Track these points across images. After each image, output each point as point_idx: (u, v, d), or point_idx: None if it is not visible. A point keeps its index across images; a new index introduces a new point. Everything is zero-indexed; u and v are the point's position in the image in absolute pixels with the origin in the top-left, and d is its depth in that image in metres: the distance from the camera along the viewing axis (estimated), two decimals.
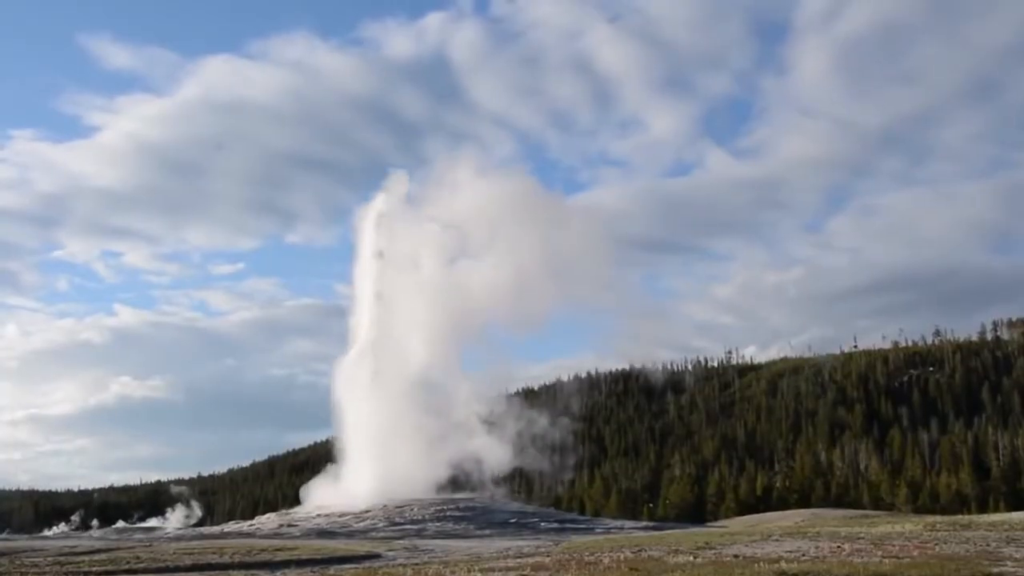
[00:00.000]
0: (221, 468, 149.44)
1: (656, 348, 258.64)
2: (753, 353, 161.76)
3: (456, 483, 56.75)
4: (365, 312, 57.48)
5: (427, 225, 59.43)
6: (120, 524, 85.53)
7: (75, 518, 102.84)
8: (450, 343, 58.21)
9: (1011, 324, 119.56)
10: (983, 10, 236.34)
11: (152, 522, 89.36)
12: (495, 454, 56.95)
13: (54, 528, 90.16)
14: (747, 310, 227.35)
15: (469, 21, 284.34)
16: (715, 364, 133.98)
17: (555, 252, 61.71)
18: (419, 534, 36.98)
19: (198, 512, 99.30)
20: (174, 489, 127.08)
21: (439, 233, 59.25)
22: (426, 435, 53.42)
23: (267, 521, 46.00)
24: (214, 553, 26.66)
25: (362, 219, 59.67)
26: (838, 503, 70.85)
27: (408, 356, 55.78)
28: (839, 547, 22.09)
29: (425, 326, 56.37)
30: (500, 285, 58.78)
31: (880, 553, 20.14)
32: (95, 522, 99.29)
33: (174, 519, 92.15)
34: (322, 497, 50.72)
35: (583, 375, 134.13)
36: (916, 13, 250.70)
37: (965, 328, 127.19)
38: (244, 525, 47.65)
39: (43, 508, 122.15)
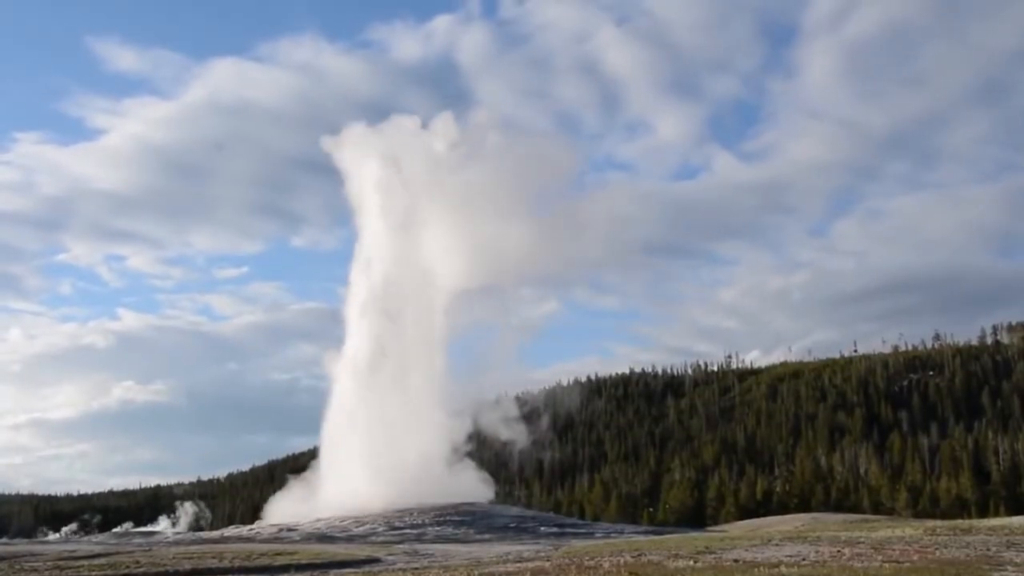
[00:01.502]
0: (221, 473, 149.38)
1: (659, 352, 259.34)
2: (757, 357, 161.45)
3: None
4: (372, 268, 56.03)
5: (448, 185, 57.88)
6: (127, 525, 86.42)
7: (88, 517, 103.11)
8: (468, 310, 57.14)
9: (1011, 328, 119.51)
10: (990, 13, 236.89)
11: (162, 523, 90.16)
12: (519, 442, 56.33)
13: (64, 530, 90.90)
14: (751, 314, 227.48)
15: (477, 24, 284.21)
16: (715, 368, 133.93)
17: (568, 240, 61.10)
18: (419, 538, 36.95)
19: (208, 513, 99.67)
20: (177, 490, 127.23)
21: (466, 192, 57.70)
22: (440, 424, 52.60)
23: (267, 525, 45.92)
24: (213, 558, 26.64)
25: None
26: (838, 507, 70.77)
27: (419, 331, 54.81)
28: (839, 552, 22.08)
29: (440, 293, 55.45)
30: (512, 257, 57.66)
31: (880, 558, 20.12)
32: (98, 517, 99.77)
33: (184, 519, 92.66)
34: (321, 502, 50.05)
35: (583, 380, 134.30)
36: (924, 15, 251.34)
37: (971, 332, 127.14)
38: (244, 529, 47.59)
39: (43, 512, 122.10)
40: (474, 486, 52.75)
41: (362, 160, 57.85)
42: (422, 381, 53.99)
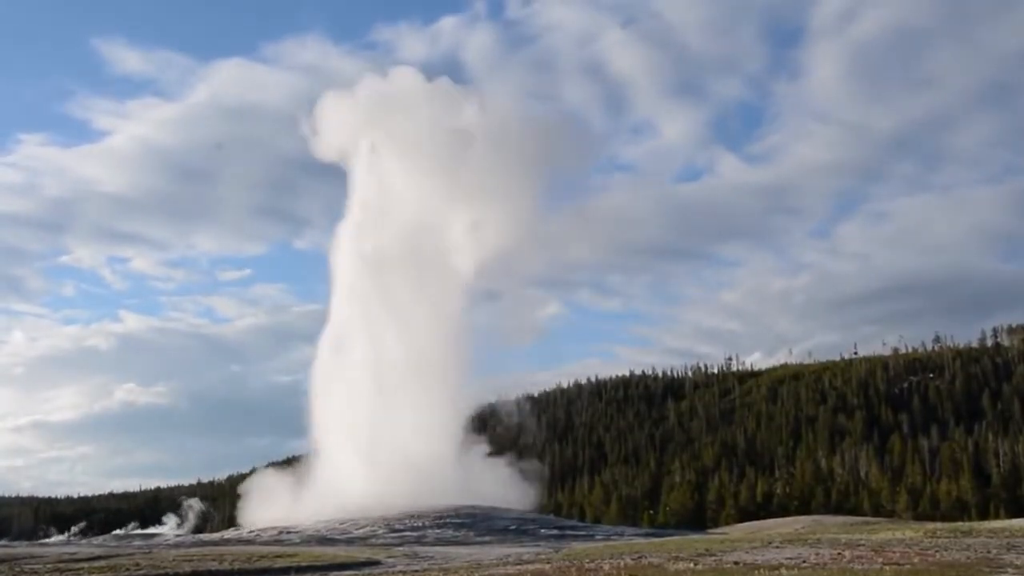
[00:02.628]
0: (223, 475, 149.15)
1: (661, 354, 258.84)
2: (759, 359, 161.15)
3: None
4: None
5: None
6: (132, 525, 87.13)
7: (94, 519, 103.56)
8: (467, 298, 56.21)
9: (1011, 330, 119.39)
10: (998, 14, 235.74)
11: (170, 521, 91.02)
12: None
13: (73, 528, 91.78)
14: (754, 316, 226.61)
15: (483, 25, 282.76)
16: (715, 371, 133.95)
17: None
18: (419, 541, 36.94)
19: (215, 513, 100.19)
20: (177, 492, 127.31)
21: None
22: (450, 424, 51.73)
23: (267, 527, 45.80)
24: (213, 560, 26.63)
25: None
26: (838, 510, 70.74)
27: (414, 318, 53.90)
28: (840, 554, 22.08)
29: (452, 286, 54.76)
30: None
31: (881, 560, 20.12)
32: (99, 517, 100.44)
33: (191, 516, 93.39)
34: (318, 504, 49.08)
35: (583, 382, 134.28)
36: (931, 17, 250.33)
37: (973, 335, 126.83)
38: (244, 531, 47.52)
39: (43, 514, 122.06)
40: (499, 490, 51.75)
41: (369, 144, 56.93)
42: (430, 380, 53.05)
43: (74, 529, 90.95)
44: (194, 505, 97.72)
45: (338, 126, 57.41)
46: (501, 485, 52.53)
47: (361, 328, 55.03)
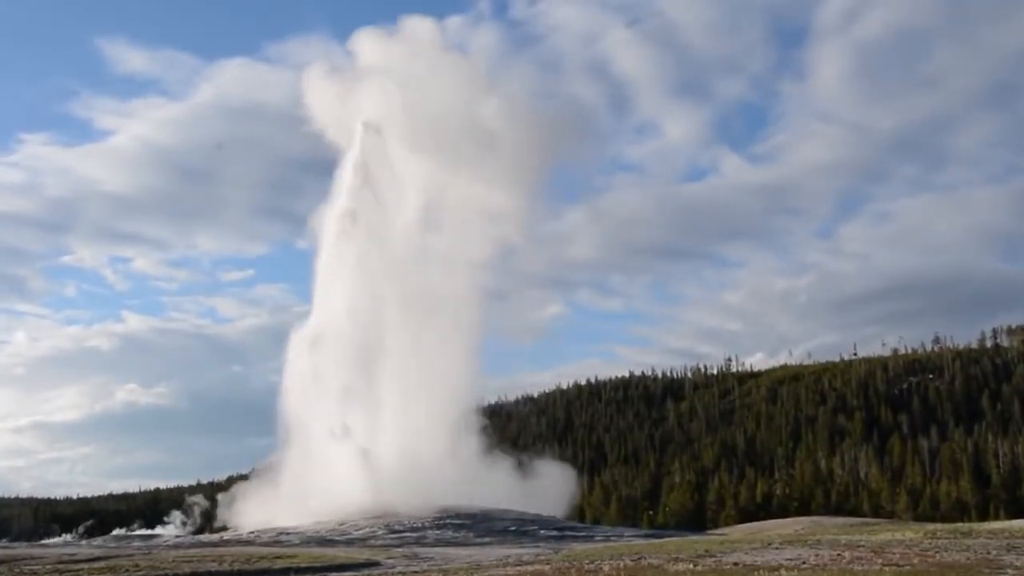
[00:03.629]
0: (224, 476, 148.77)
1: (662, 354, 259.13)
2: (760, 360, 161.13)
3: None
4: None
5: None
6: (137, 524, 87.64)
7: (98, 520, 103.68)
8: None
9: (1011, 331, 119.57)
10: (1000, 15, 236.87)
11: (176, 519, 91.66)
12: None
13: (79, 528, 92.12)
14: (755, 316, 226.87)
15: (488, 24, 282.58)
16: (715, 371, 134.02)
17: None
18: (418, 542, 36.88)
19: (216, 512, 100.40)
20: (176, 493, 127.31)
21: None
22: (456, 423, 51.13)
23: (266, 528, 45.69)
24: (213, 561, 26.62)
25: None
26: (838, 511, 70.79)
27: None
28: (839, 555, 22.07)
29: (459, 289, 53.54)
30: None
31: (880, 561, 20.11)
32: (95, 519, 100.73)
33: (197, 515, 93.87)
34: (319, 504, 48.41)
35: (583, 382, 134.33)
36: (933, 18, 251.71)
37: (973, 335, 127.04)
38: (243, 532, 47.44)
39: (43, 515, 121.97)
40: (523, 495, 50.95)
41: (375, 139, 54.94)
42: (432, 379, 52.21)
43: (81, 529, 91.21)
44: (199, 503, 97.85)
45: (335, 100, 55.85)
46: (525, 489, 51.92)
47: (357, 320, 53.17)
